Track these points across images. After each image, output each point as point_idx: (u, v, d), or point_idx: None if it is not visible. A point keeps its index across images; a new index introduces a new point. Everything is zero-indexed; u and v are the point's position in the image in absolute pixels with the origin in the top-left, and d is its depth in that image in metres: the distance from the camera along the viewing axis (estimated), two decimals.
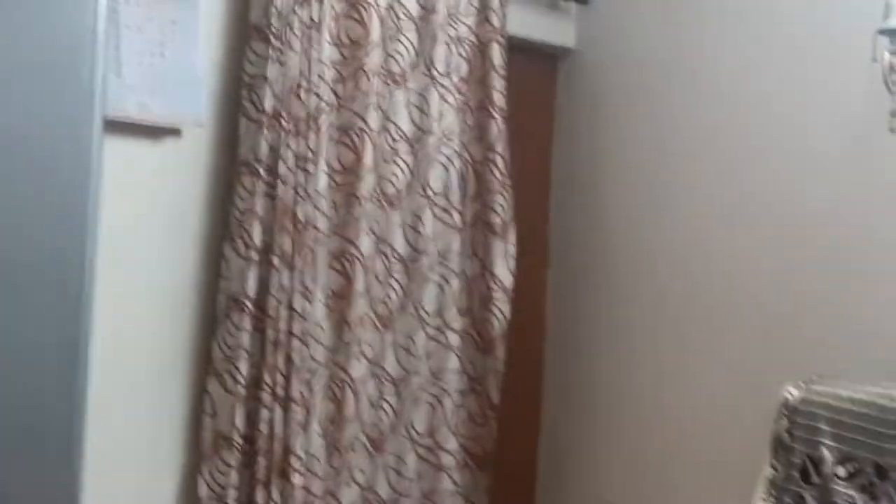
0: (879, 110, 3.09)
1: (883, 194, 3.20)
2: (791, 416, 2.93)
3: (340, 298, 3.34)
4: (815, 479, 2.84)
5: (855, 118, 3.24)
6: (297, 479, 3.18)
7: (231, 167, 3.23)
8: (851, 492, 2.75)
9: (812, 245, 3.34)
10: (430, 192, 3.52)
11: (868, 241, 3.22)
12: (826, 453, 2.83)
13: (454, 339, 3.56)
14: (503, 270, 3.61)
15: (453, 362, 3.55)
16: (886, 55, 3.07)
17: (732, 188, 3.55)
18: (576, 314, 3.96)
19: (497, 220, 3.61)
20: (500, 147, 3.62)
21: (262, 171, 3.16)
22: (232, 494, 3.13)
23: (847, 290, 3.25)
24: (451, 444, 3.54)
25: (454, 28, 3.54)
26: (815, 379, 2.96)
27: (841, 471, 2.80)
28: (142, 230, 3.14)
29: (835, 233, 3.29)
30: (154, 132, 3.14)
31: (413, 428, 3.51)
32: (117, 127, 2.94)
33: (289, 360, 3.18)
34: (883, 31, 3.06)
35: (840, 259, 3.27)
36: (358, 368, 3.36)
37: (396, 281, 3.48)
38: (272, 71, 3.14)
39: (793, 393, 2.96)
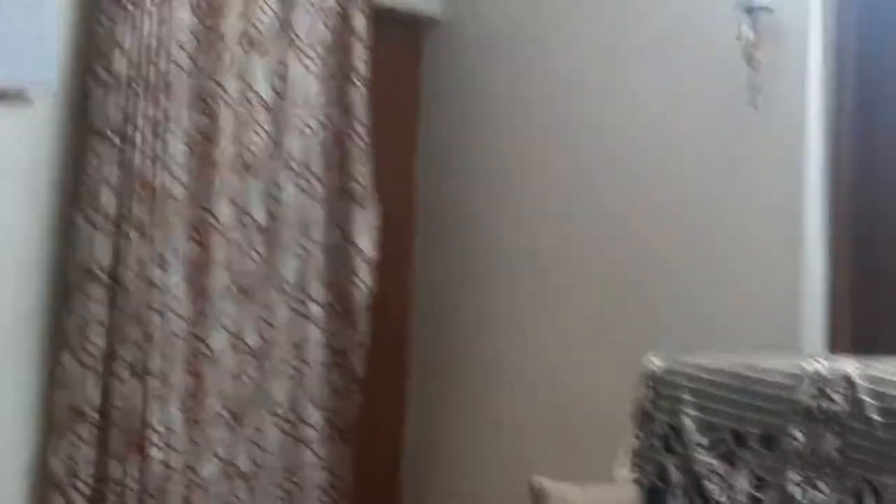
0: (739, 85, 3.12)
1: (744, 167, 3.23)
2: (654, 387, 2.95)
3: (199, 269, 3.27)
4: (676, 448, 2.86)
5: (716, 93, 3.27)
6: (154, 453, 3.12)
7: (82, 134, 3.14)
8: (712, 460, 2.78)
9: (677, 219, 3.36)
10: (290, 161, 3.46)
11: (731, 215, 3.25)
12: (688, 422, 2.85)
13: (316, 310, 3.51)
14: (366, 241, 3.57)
15: (315, 334, 3.50)
16: (746, 30, 3.12)
17: (597, 158, 3.56)
18: (443, 284, 3.94)
19: (359, 190, 3.57)
20: (361, 116, 3.58)
21: (113, 137, 3.08)
22: (86, 469, 3.06)
23: (711, 263, 3.29)
24: (314, 417, 3.49)
25: None
26: (679, 350, 2.99)
27: (702, 439, 2.82)
28: None
29: (700, 206, 3.32)
30: (3, 96, 3.03)
31: (274, 401, 3.45)
32: None
33: (145, 332, 3.11)
34: (743, 9, 3.11)
35: (704, 232, 3.30)
36: (218, 340, 3.30)
37: (256, 251, 3.41)
38: (124, 35, 3.06)
39: (656, 363, 2.98)
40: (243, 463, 3.39)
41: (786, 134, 3.16)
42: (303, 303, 3.50)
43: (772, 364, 2.77)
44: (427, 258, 3.98)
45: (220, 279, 3.30)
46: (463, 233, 3.92)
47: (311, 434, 3.48)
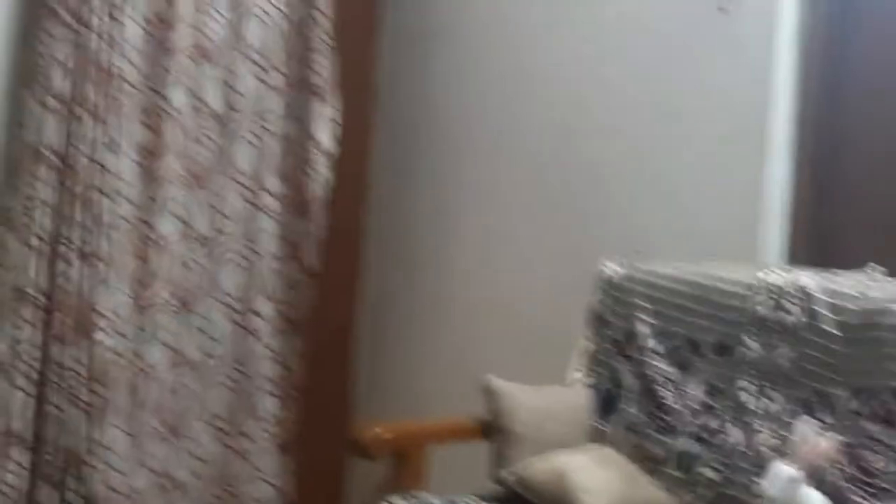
0: None
1: (710, 75, 3.19)
2: (609, 291, 2.95)
3: (150, 155, 3.22)
4: (631, 353, 2.87)
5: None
6: (100, 338, 3.09)
7: (35, 13, 3.06)
8: (665, 365, 2.79)
9: (637, 124, 3.33)
10: (249, 51, 3.40)
11: (695, 122, 3.22)
12: (642, 328, 2.86)
13: (270, 201, 3.47)
14: (324, 134, 3.52)
15: (269, 225, 3.47)
16: None
17: (553, 64, 3.52)
18: (400, 179, 3.91)
19: (319, 82, 3.51)
20: (322, 5, 3.50)
21: (66, 14, 3.02)
22: (30, 352, 3.04)
23: (672, 171, 3.25)
24: (265, 308, 3.47)
25: None
26: (634, 256, 2.98)
27: (655, 344, 2.83)
28: None
29: (662, 113, 3.28)
30: None
31: (224, 291, 3.42)
32: None
33: (94, 215, 3.07)
34: None
35: (666, 140, 3.27)
36: (167, 227, 3.26)
37: (211, 139, 3.36)
38: None
39: (611, 268, 2.98)
40: (191, 351, 3.37)
41: (755, 42, 3.11)
42: (255, 193, 3.44)
43: (729, 273, 2.77)
44: (384, 153, 3.94)
45: (171, 165, 3.25)
46: (420, 129, 3.88)
47: (261, 325, 3.46)
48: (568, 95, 3.49)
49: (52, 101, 3.02)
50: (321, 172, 3.52)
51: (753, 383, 2.63)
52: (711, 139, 3.19)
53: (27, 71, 3.05)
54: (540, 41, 3.58)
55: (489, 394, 2.81)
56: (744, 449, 2.57)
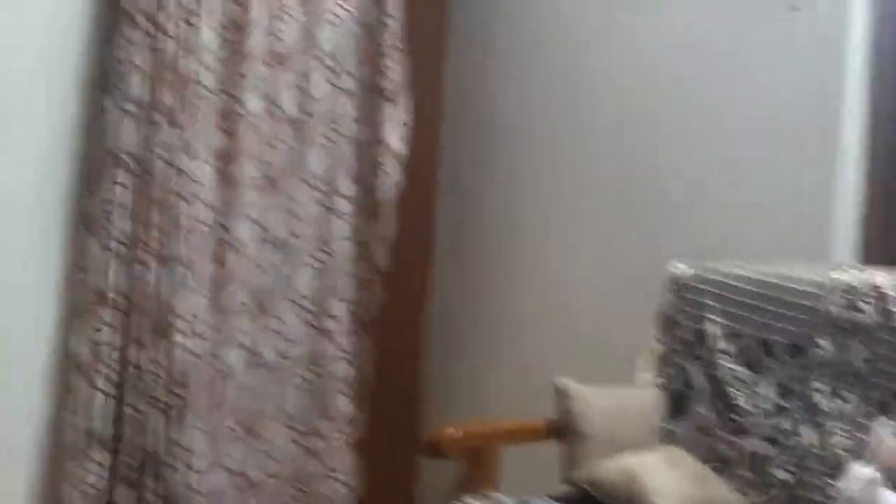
0: None
1: (782, 72, 3.18)
2: (679, 292, 2.95)
3: (226, 158, 3.27)
4: (700, 353, 2.87)
5: None
6: (179, 340, 3.14)
7: (111, 15, 3.11)
8: (736, 366, 2.79)
9: (708, 123, 3.33)
10: (319, 53, 3.43)
11: (766, 121, 3.21)
12: (712, 329, 2.86)
13: (343, 204, 3.50)
14: (394, 137, 3.55)
15: (341, 228, 3.50)
16: None
17: (631, 66, 3.52)
18: (469, 181, 3.93)
19: (390, 85, 3.54)
20: (392, 9, 3.53)
21: (143, 20, 3.06)
22: (109, 354, 3.08)
23: (744, 169, 3.25)
24: (338, 309, 3.50)
25: None
26: (703, 257, 2.98)
27: (726, 346, 2.83)
28: (14, 80, 3.00)
29: (732, 111, 3.28)
30: None
31: (297, 292, 3.46)
32: None
33: (171, 219, 3.11)
34: None
35: (738, 138, 3.27)
36: (243, 230, 3.31)
37: (283, 143, 3.39)
38: None
39: (681, 269, 2.98)
40: (266, 352, 3.41)
41: (826, 40, 3.10)
42: (328, 196, 3.48)
43: (800, 273, 2.77)
44: (454, 156, 3.95)
45: (247, 169, 3.30)
46: (486, 132, 3.90)
47: (334, 326, 3.50)
48: (634, 96, 3.50)
49: (130, 106, 3.06)
50: (392, 175, 3.55)
51: (827, 384, 2.63)
52: (782, 138, 3.19)
53: (105, 76, 3.10)
54: (605, 41, 3.59)
55: (560, 395, 2.83)
56: (817, 450, 2.57)
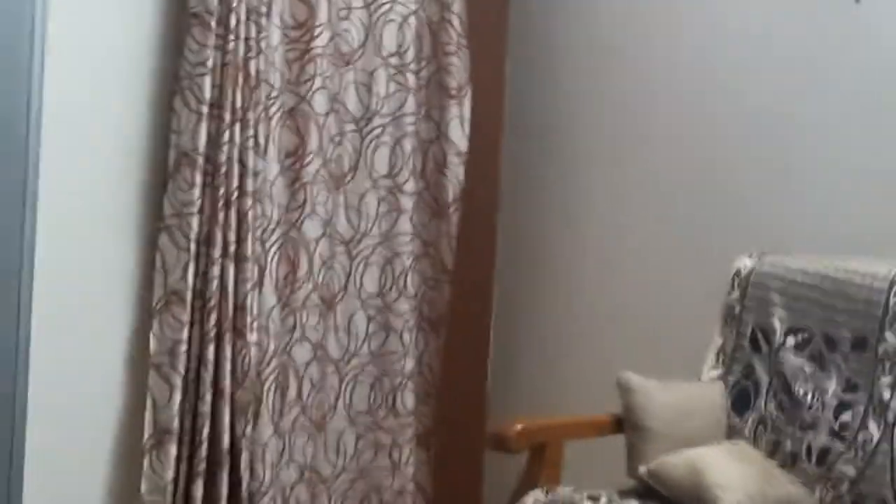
0: None
1: (844, 64, 3.16)
2: (742, 287, 2.95)
3: (294, 157, 3.31)
4: (764, 348, 2.88)
5: None
6: (250, 336, 3.19)
7: (180, 18, 3.16)
8: (800, 361, 2.79)
9: (771, 117, 3.31)
10: (383, 52, 3.47)
11: (827, 114, 3.19)
12: (776, 323, 2.86)
13: (406, 202, 3.53)
14: (458, 134, 3.57)
15: (405, 225, 3.53)
16: None
17: (690, 61, 3.50)
18: (530, 178, 3.93)
19: (453, 83, 3.56)
20: (456, 7, 3.55)
21: (213, 23, 3.11)
22: (182, 349, 3.14)
23: (805, 163, 3.23)
24: (403, 306, 3.54)
25: None
26: (767, 251, 2.98)
27: (791, 340, 2.83)
28: (89, 84, 3.07)
29: (794, 103, 3.26)
30: None
31: (363, 289, 3.51)
32: None
33: (241, 217, 3.16)
34: None
35: (799, 131, 3.25)
36: (311, 228, 3.35)
37: (349, 141, 3.44)
38: None
39: (745, 264, 2.98)
40: (333, 349, 3.46)
41: (890, 31, 3.08)
42: (392, 193, 3.52)
43: (865, 267, 2.75)
44: (513, 152, 3.97)
45: (314, 168, 3.34)
46: (546, 129, 3.89)
47: (399, 323, 3.54)
48: (697, 91, 3.48)
49: (201, 107, 3.11)
50: (455, 172, 3.58)
51: (892, 378, 2.61)
52: (845, 130, 3.16)
53: (176, 78, 3.14)
54: (667, 34, 3.57)
55: (623, 389, 2.84)
56: (885, 445, 2.56)
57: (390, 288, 3.53)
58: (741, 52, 3.38)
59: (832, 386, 2.70)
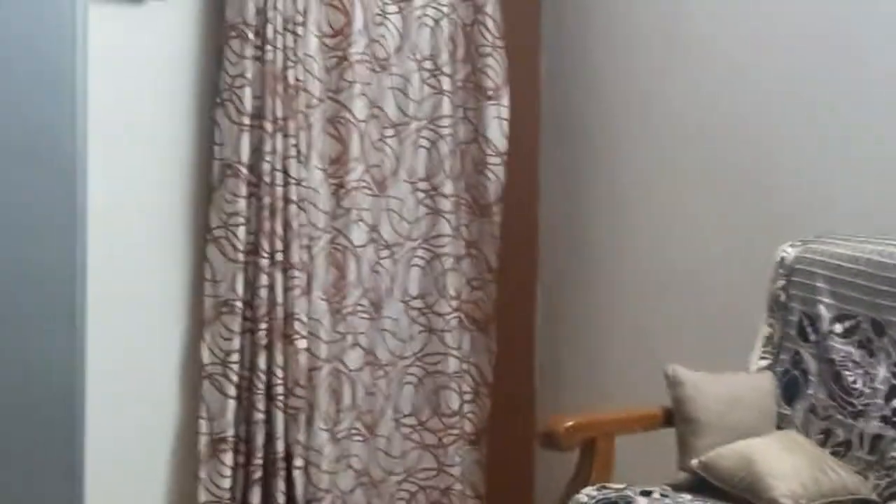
0: None
1: (876, 46, 3.13)
2: (787, 275, 2.95)
3: (337, 164, 3.35)
4: (812, 336, 2.87)
5: None
6: (300, 343, 3.22)
7: (219, 30, 3.21)
8: (849, 347, 2.78)
9: (807, 105, 3.29)
10: (418, 55, 3.49)
11: (863, 101, 3.17)
12: (823, 310, 2.85)
13: (447, 204, 3.55)
14: (496, 134, 3.59)
15: (447, 227, 3.55)
16: None
17: (730, 45, 3.47)
18: (569, 175, 3.93)
19: (489, 84, 3.58)
20: (490, 8, 3.57)
21: (250, 34, 3.14)
22: (235, 358, 3.18)
23: (847, 149, 3.21)
24: (448, 308, 3.55)
25: None
26: (811, 238, 2.97)
27: (838, 327, 2.82)
28: (131, 97, 3.12)
29: (831, 90, 3.25)
30: None
31: (407, 292, 3.53)
32: None
33: (286, 225, 3.20)
34: None
35: (839, 119, 3.23)
36: (358, 234, 3.39)
37: (388, 146, 3.47)
38: None
39: (789, 252, 2.97)
40: (382, 353, 3.49)
41: None
42: (433, 196, 3.54)
43: None
44: (551, 147, 3.97)
45: (357, 174, 3.37)
46: (584, 120, 3.88)
47: (445, 324, 3.55)
48: (738, 72, 3.43)
49: (242, 119, 3.15)
50: (496, 172, 3.59)
51: None
52: (881, 113, 3.12)
53: (217, 90, 3.19)
54: (709, 20, 3.53)
55: (672, 382, 2.83)
56: None
57: (431, 289, 3.55)
58: (784, 33, 3.34)
59: (882, 372, 2.70)
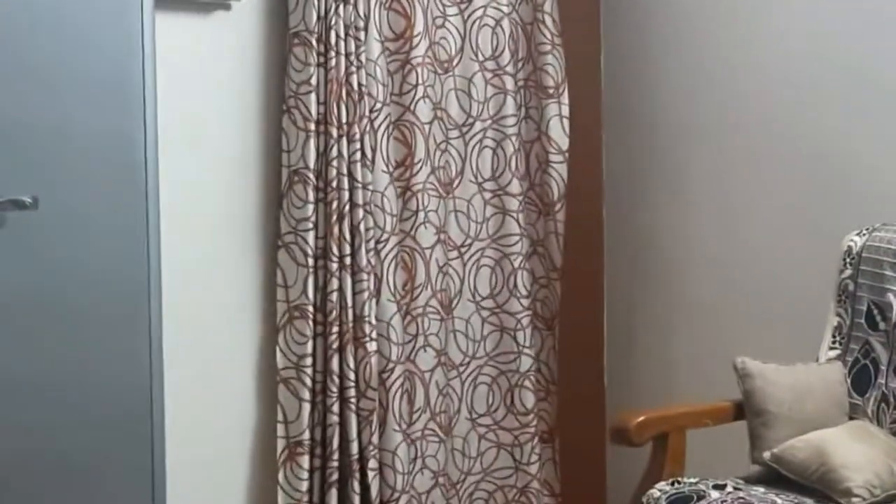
0: None
1: None
2: (855, 264, 2.94)
3: (403, 167, 3.38)
4: (881, 324, 2.86)
5: None
6: (371, 346, 3.25)
7: (283, 38, 3.25)
8: None
9: (875, 93, 3.26)
10: (480, 56, 3.52)
11: None
12: (892, 298, 2.84)
13: (513, 203, 3.56)
14: (558, 132, 3.60)
15: (513, 226, 3.56)
16: None
17: (795, 35, 3.45)
18: (633, 170, 3.93)
19: (550, 82, 3.59)
20: (548, 6, 3.58)
21: (313, 40, 3.18)
22: (308, 362, 3.22)
23: None
24: (515, 306, 3.56)
25: None
26: (878, 226, 2.96)
27: None
28: (199, 106, 3.16)
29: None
30: (204, 6, 3.15)
31: (477, 292, 3.55)
32: (166, 3, 2.95)
33: (354, 229, 3.24)
34: None
35: None
36: (426, 237, 3.41)
37: (453, 147, 3.50)
38: None
39: (855, 241, 2.96)
40: (454, 353, 3.52)
41: None
42: (499, 196, 3.55)
43: None
44: (616, 147, 3.96)
45: (423, 176, 3.40)
46: (646, 116, 3.88)
47: (514, 323, 3.56)
48: (803, 61, 3.41)
49: (308, 125, 3.19)
50: (558, 170, 3.60)
51: None
52: None
53: (283, 97, 3.23)
54: (767, 14, 3.52)
55: (742, 375, 2.83)
56: None
57: (502, 289, 3.56)
58: (853, 21, 3.30)
59: None
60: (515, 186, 3.57)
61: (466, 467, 3.56)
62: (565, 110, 3.61)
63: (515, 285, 3.56)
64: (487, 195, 3.55)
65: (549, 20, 3.58)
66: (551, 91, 3.59)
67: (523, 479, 3.58)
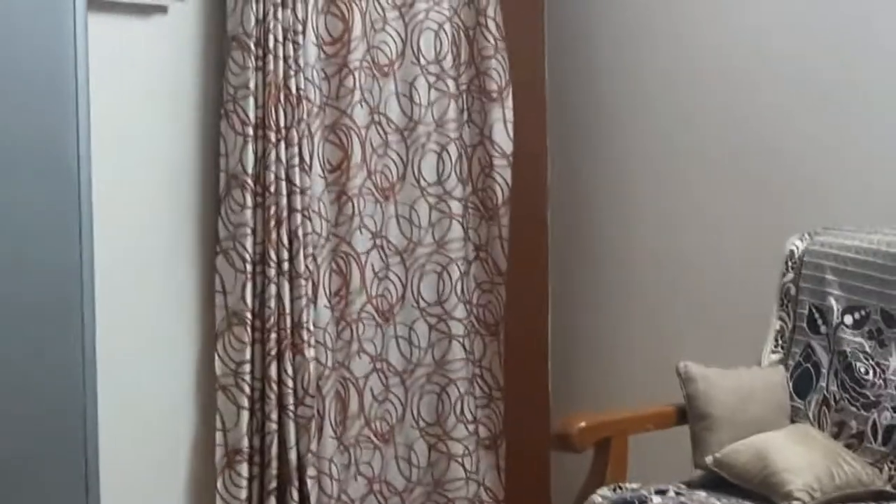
0: None
1: (883, 37, 3.13)
2: (797, 268, 2.95)
3: (339, 171, 3.35)
4: (822, 328, 2.87)
5: None
6: (309, 353, 3.23)
7: (221, 42, 3.22)
8: (859, 339, 2.78)
9: (814, 98, 3.29)
10: (421, 60, 3.50)
11: (871, 91, 3.17)
12: (833, 302, 2.85)
13: (456, 207, 3.55)
14: (502, 136, 3.59)
15: (457, 231, 3.54)
16: None
17: (734, 37, 3.47)
18: (577, 174, 3.92)
19: (493, 86, 3.58)
20: (491, 11, 3.57)
21: (251, 44, 3.16)
22: (247, 369, 3.19)
23: (845, 140, 3.21)
24: (460, 311, 3.55)
25: None
26: (819, 230, 2.97)
27: (848, 319, 2.82)
28: (136, 109, 3.13)
29: (836, 82, 3.24)
30: (141, 9, 3.12)
31: (421, 298, 3.53)
32: (100, 5, 2.92)
33: (291, 234, 3.21)
34: None
35: (839, 110, 3.23)
36: (361, 242, 3.39)
37: (394, 151, 3.47)
38: None
39: (797, 245, 2.97)
40: (394, 359, 3.50)
41: None
42: (441, 200, 3.53)
43: None
44: (557, 148, 3.97)
45: (360, 181, 3.37)
46: (590, 119, 3.88)
47: (458, 329, 3.54)
48: (743, 66, 3.43)
49: (246, 129, 3.16)
50: (503, 174, 3.59)
51: None
52: (867, 101, 3.13)
53: (222, 101, 3.20)
54: (706, 16, 3.54)
55: (684, 379, 2.83)
56: None
57: (449, 295, 3.54)
58: (790, 26, 3.33)
59: (894, 362, 2.70)
60: (460, 191, 3.55)
61: (416, 476, 3.53)
62: (509, 114, 3.60)
63: (462, 291, 3.55)
64: (432, 199, 3.53)
65: (492, 24, 3.57)
66: (495, 95, 3.58)
67: (470, 487, 3.56)
